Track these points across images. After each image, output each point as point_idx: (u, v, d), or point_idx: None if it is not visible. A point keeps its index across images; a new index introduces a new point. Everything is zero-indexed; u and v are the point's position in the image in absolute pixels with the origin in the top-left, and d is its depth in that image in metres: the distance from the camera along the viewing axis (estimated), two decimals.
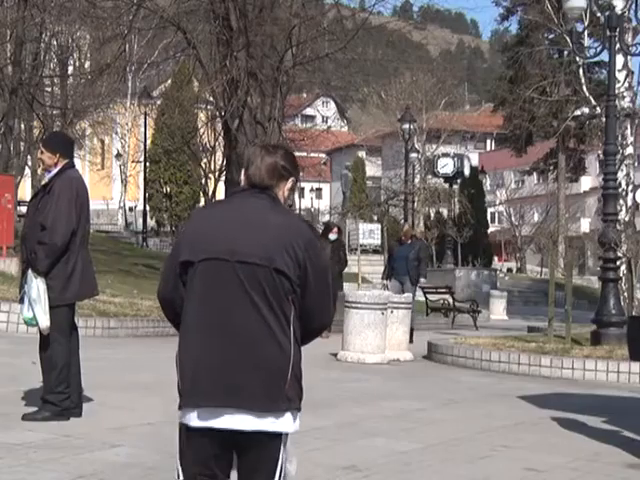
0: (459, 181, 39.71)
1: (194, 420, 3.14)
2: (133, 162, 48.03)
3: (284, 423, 3.15)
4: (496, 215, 59.71)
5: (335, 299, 3.38)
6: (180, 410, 3.19)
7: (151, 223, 43.69)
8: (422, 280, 16.73)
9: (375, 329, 12.42)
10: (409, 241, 16.30)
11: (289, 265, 3.13)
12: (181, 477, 3.25)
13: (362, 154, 63.45)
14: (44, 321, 6.66)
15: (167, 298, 3.34)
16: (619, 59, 15.50)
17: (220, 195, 33.71)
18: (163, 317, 13.89)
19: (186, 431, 3.18)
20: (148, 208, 40.81)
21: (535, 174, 56.52)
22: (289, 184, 3.30)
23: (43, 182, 7.02)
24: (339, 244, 16.89)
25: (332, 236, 16.45)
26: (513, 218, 54.63)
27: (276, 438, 3.15)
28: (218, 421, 3.11)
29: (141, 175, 43.02)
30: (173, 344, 12.54)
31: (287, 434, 3.19)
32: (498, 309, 28.99)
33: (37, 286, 6.64)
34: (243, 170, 3.30)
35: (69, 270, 6.75)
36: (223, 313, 3.13)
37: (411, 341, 14.45)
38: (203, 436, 3.13)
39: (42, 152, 7.01)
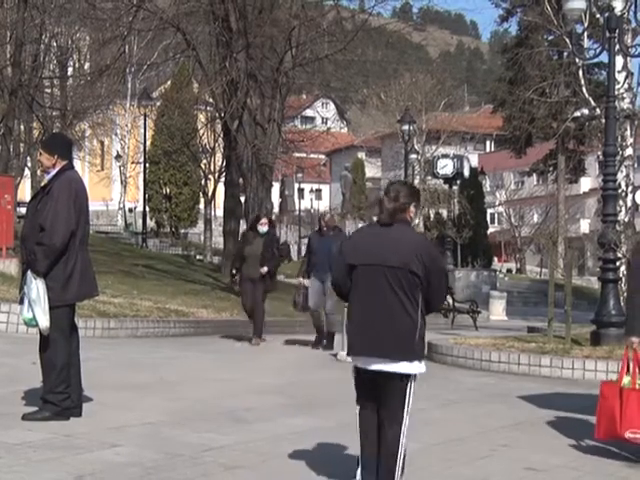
0: (459, 182, 39.68)
1: (356, 363, 5.04)
2: (133, 163, 47.99)
3: (413, 367, 4.98)
4: (496, 216, 59.72)
5: (447, 288, 5.26)
6: (348, 357, 5.19)
7: (151, 224, 43.68)
8: None
9: None
10: (331, 232, 13.64)
11: (418, 267, 4.94)
12: (355, 400, 5.14)
13: (362, 155, 63.49)
14: (44, 322, 6.66)
15: (339, 283, 5.19)
16: (619, 60, 15.50)
17: (220, 195, 33.69)
18: (163, 317, 13.89)
19: (354, 371, 5.10)
20: (148, 209, 40.80)
21: (535, 175, 56.49)
22: (412, 208, 5.12)
23: (42, 183, 7.01)
24: (272, 238, 14.49)
25: (262, 228, 14.10)
26: (513, 219, 54.64)
27: (406, 377, 4.98)
28: (370, 365, 4.96)
29: (141, 176, 42.98)
30: (173, 344, 12.49)
31: (415, 375, 5.00)
32: (498, 309, 29.00)
33: (37, 287, 6.64)
34: (378, 206, 5.17)
35: (68, 271, 6.75)
36: (375, 298, 4.98)
37: (331, 347, 13.48)
38: (363, 373, 5.02)
39: (41, 154, 7.02)
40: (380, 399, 4.98)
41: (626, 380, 6.50)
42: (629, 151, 16.91)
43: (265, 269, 13.81)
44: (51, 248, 6.64)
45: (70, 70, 36.23)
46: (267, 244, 13.94)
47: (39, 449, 5.86)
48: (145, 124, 38.17)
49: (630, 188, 16.85)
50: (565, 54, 41.40)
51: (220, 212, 32.09)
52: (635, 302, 6.43)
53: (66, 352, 6.82)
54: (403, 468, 5.04)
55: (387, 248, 4.98)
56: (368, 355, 4.95)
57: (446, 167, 36.49)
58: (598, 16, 16.79)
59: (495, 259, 50.30)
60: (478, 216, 42.77)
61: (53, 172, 6.86)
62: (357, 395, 5.09)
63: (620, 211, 15.74)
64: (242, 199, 22.56)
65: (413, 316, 4.95)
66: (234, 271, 14.34)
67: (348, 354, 5.16)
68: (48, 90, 33.74)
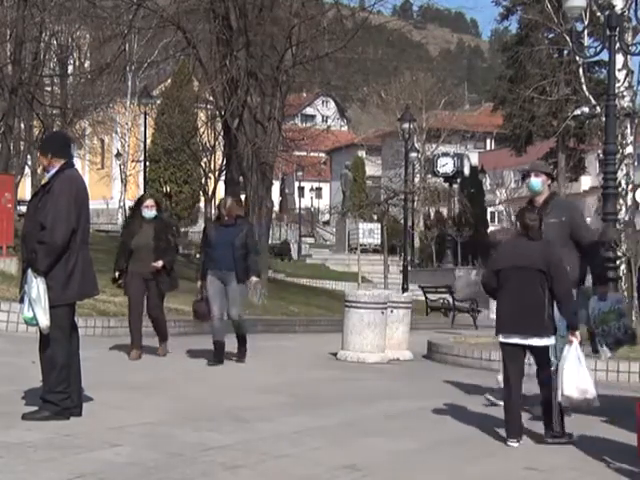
0: (459, 180, 39.71)
1: (502, 339, 6.93)
2: (133, 161, 48.01)
3: (545, 340, 6.89)
4: (496, 214, 59.71)
5: (568, 281, 7.01)
6: (497, 335, 7.00)
7: None
8: (254, 279, 11.25)
9: (375, 329, 12.42)
10: (234, 222, 11.14)
11: (543, 267, 6.83)
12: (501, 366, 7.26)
13: (362, 153, 63.44)
14: (44, 321, 6.65)
15: (489, 285, 7.12)
16: (619, 58, 15.49)
17: (220, 194, 33.67)
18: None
19: (500, 344, 7.00)
20: None
21: None
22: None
23: (43, 182, 7.01)
24: (163, 225, 11.34)
25: (147, 212, 11.10)
26: (513, 217, 54.57)
27: (544, 348, 6.92)
28: (513, 340, 6.87)
29: (141, 174, 43.00)
30: (173, 343, 12.41)
31: (551, 345, 7.00)
32: None
33: (37, 286, 6.63)
34: (521, 226, 7.14)
35: (69, 269, 6.74)
36: (516, 291, 6.87)
37: (242, 356, 11.65)
38: (507, 345, 6.93)
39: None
40: (523, 364, 6.97)
41: None
42: (629, 149, 16.89)
43: (160, 263, 10.95)
44: (52, 246, 6.63)
45: (70, 68, 36.25)
46: (159, 232, 11.05)
47: (39, 449, 5.85)
48: (145, 122, 38.15)
49: (630, 186, 16.83)
50: (565, 52, 41.38)
51: None
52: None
53: (66, 351, 6.81)
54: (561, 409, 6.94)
55: (521, 253, 6.95)
56: (512, 333, 6.85)
57: (446, 165, 36.60)
58: (599, 14, 16.79)
59: None
60: (478, 214, 42.75)
61: (53, 171, 6.86)
62: (504, 363, 6.99)
63: (620, 209, 15.74)
64: (242, 197, 22.53)
65: (541, 304, 6.81)
66: (117, 273, 11.08)
67: (497, 333, 6.98)
68: (48, 88, 33.74)
